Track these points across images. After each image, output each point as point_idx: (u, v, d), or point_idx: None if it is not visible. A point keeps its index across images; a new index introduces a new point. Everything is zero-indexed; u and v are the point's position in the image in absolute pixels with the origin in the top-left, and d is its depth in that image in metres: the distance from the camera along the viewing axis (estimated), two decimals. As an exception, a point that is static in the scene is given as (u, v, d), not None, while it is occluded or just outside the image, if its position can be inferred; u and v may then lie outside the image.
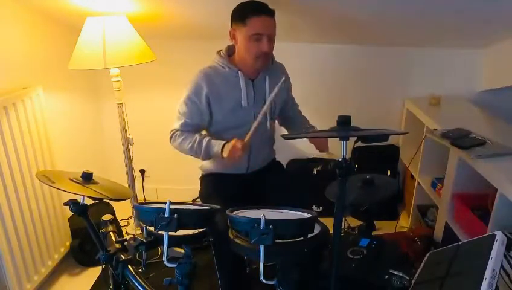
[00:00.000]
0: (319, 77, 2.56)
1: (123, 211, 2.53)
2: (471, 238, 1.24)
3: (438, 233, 1.91)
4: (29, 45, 2.03)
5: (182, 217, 1.13)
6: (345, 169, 1.05)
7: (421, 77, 2.51)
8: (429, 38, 2.30)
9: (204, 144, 1.64)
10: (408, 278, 1.44)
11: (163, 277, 1.20)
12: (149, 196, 2.78)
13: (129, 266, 1.40)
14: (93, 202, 1.45)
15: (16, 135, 1.78)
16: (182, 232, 1.17)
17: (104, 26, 1.86)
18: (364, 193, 1.61)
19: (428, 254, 1.38)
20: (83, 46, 1.89)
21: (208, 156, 1.66)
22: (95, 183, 1.44)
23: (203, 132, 1.78)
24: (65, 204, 1.39)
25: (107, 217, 1.60)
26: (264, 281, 1.07)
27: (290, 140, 2.47)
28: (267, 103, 1.64)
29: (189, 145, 1.66)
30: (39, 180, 1.37)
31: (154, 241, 1.24)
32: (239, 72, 1.67)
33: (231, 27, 1.64)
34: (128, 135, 2.27)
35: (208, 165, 1.85)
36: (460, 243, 1.28)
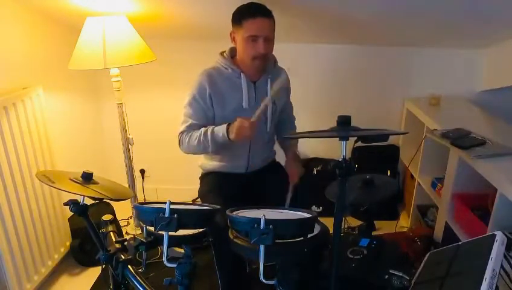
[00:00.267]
0: (319, 77, 2.56)
1: (123, 211, 2.53)
2: (471, 238, 1.25)
3: (438, 233, 1.91)
4: (29, 45, 2.03)
5: (182, 217, 1.13)
6: (345, 169, 1.05)
7: (421, 77, 2.51)
8: (429, 38, 2.30)
9: (209, 134, 1.62)
10: (408, 278, 1.44)
11: (163, 277, 1.20)
12: (149, 196, 2.78)
13: (129, 266, 1.40)
14: (93, 202, 1.45)
15: (15, 135, 1.78)
16: (182, 232, 1.17)
17: (104, 26, 1.86)
18: (364, 193, 1.61)
19: (428, 254, 1.38)
20: (83, 46, 1.89)
21: (216, 145, 1.63)
22: (95, 183, 1.44)
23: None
24: (65, 204, 1.38)
25: (107, 217, 1.60)
26: (264, 281, 1.07)
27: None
28: (269, 95, 1.63)
29: (196, 141, 1.65)
30: (39, 180, 1.37)
31: (154, 241, 1.24)
32: (241, 73, 1.68)
33: (232, 29, 1.65)
34: (128, 135, 2.27)
35: (207, 164, 1.85)
36: (460, 243, 1.28)
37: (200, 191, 1.85)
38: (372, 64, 2.51)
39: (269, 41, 1.61)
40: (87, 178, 1.43)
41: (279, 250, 1.10)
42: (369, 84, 2.56)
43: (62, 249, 2.17)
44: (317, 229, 1.21)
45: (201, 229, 1.30)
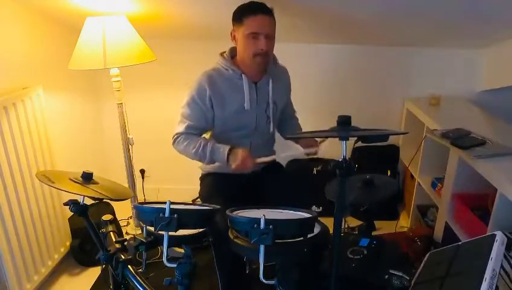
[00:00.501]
0: (319, 77, 2.56)
1: (123, 211, 2.53)
2: (471, 238, 1.25)
3: (438, 233, 1.91)
4: (29, 45, 2.03)
5: (182, 217, 1.13)
6: (345, 169, 1.05)
7: (421, 77, 2.51)
8: (429, 38, 2.30)
9: (208, 149, 1.63)
10: (408, 278, 1.44)
11: (163, 277, 1.20)
12: (149, 196, 2.78)
13: (129, 266, 1.40)
14: (93, 202, 1.45)
15: (16, 135, 1.78)
16: (182, 232, 1.17)
17: (104, 26, 1.86)
18: (364, 193, 1.61)
19: (428, 254, 1.38)
20: (83, 46, 1.89)
21: (212, 161, 1.67)
22: (95, 183, 1.44)
23: (206, 135, 1.78)
24: (65, 204, 1.39)
25: (107, 217, 1.60)
26: (264, 281, 1.07)
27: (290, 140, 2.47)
28: (277, 156, 1.74)
29: (194, 150, 1.66)
30: (39, 180, 1.37)
31: (154, 241, 1.24)
32: (242, 74, 1.68)
33: (232, 28, 1.65)
34: (128, 135, 2.27)
35: (207, 165, 1.85)
36: (460, 243, 1.28)
37: (200, 192, 1.86)
38: (372, 64, 2.51)
39: (270, 38, 1.61)
40: (87, 178, 1.43)
41: (279, 250, 1.10)
42: (369, 84, 2.56)
43: (62, 249, 2.17)
44: (317, 229, 1.21)
45: (201, 229, 1.30)
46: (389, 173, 2.56)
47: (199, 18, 2.15)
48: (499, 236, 1.04)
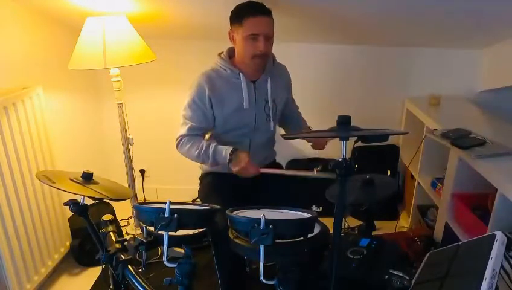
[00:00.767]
0: (319, 77, 2.56)
1: (123, 211, 2.53)
2: (471, 238, 1.24)
3: (438, 233, 1.91)
4: (29, 45, 2.03)
5: (182, 217, 1.13)
6: (345, 169, 1.05)
7: (421, 77, 2.51)
8: (429, 38, 2.30)
9: (210, 151, 1.64)
10: (408, 278, 1.44)
11: (163, 277, 1.20)
12: (149, 196, 2.78)
13: (129, 266, 1.40)
14: (93, 202, 1.45)
15: (15, 135, 1.78)
16: (182, 232, 1.17)
17: (104, 26, 1.86)
18: (364, 193, 1.61)
19: (428, 254, 1.38)
20: (83, 46, 1.89)
21: (215, 162, 1.67)
22: (95, 183, 1.44)
23: (206, 135, 1.78)
24: (65, 204, 1.39)
25: (107, 217, 1.59)
26: (264, 281, 1.07)
27: (290, 140, 2.47)
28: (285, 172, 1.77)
29: (196, 152, 1.66)
30: (39, 180, 1.37)
31: (154, 241, 1.24)
32: (240, 74, 1.68)
33: (230, 29, 1.65)
34: (128, 135, 2.27)
35: (211, 166, 1.85)
36: (460, 243, 1.28)
37: (200, 192, 1.85)
38: (372, 64, 2.51)
39: (269, 39, 1.61)
40: (87, 178, 1.43)
41: (279, 250, 1.10)
42: (369, 84, 2.56)
43: (62, 249, 2.17)
44: (317, 229, 1.21)
45: (201, 229, 1.30)
46: (389, 173, 2.56)
47: (199, 18, 2.15)
48: (499, 236, 1.04)
